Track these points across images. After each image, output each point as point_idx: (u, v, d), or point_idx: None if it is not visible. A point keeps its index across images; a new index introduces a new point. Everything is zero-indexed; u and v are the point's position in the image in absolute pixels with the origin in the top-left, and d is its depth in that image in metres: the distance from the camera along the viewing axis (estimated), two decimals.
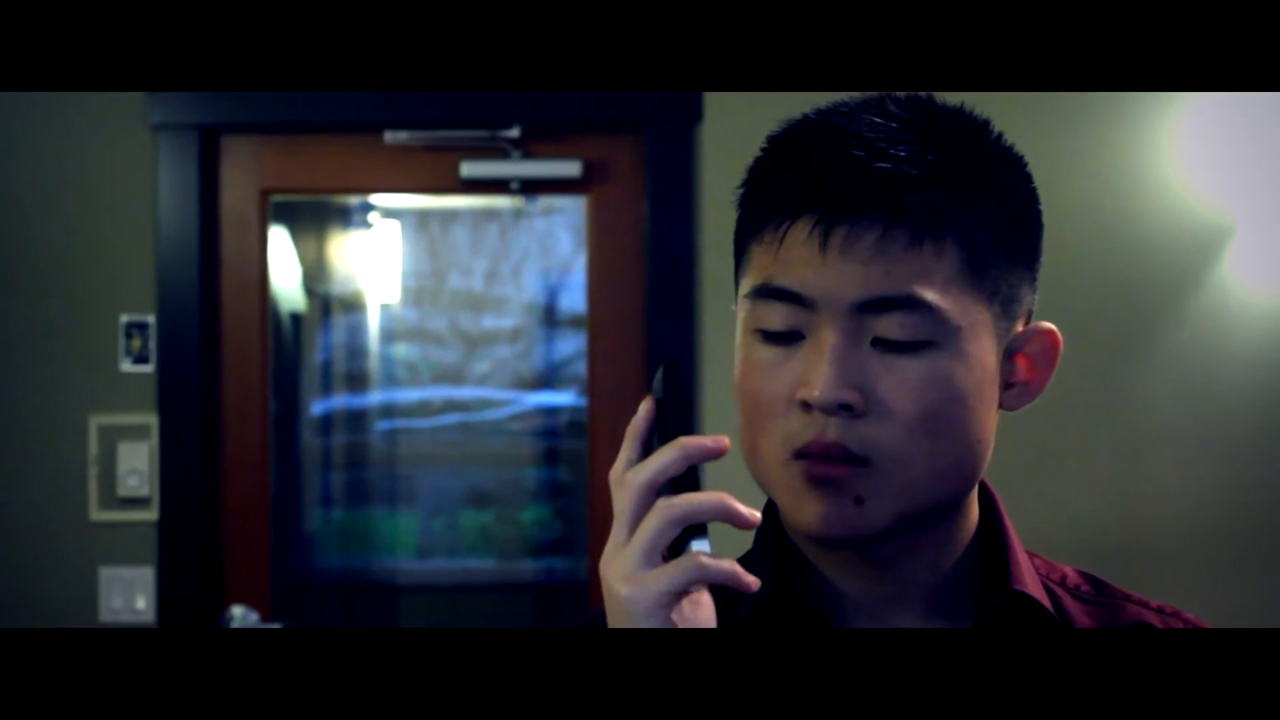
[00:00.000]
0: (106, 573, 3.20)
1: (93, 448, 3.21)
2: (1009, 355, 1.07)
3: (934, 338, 1.01)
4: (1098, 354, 3.14)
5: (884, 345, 1.01)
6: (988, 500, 1.13)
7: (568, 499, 3.91)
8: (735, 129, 3.11)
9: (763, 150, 1.08)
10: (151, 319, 3.21)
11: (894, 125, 1.02)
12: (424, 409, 3.98)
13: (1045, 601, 1.09)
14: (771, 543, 1.12)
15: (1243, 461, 3.14)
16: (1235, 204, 3.11)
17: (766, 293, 1.03)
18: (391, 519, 3.82)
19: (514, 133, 3.23)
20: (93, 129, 3.21)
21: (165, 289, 3.21)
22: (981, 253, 1.03)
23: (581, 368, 3.48)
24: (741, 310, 1.06)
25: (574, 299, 3.75)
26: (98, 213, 3.22)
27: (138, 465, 3.20)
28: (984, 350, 1.04)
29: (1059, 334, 1.10)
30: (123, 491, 3.20)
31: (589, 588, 3.32)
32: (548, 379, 3.94)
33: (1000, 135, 1.08)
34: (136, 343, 3.21)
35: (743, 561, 1.14)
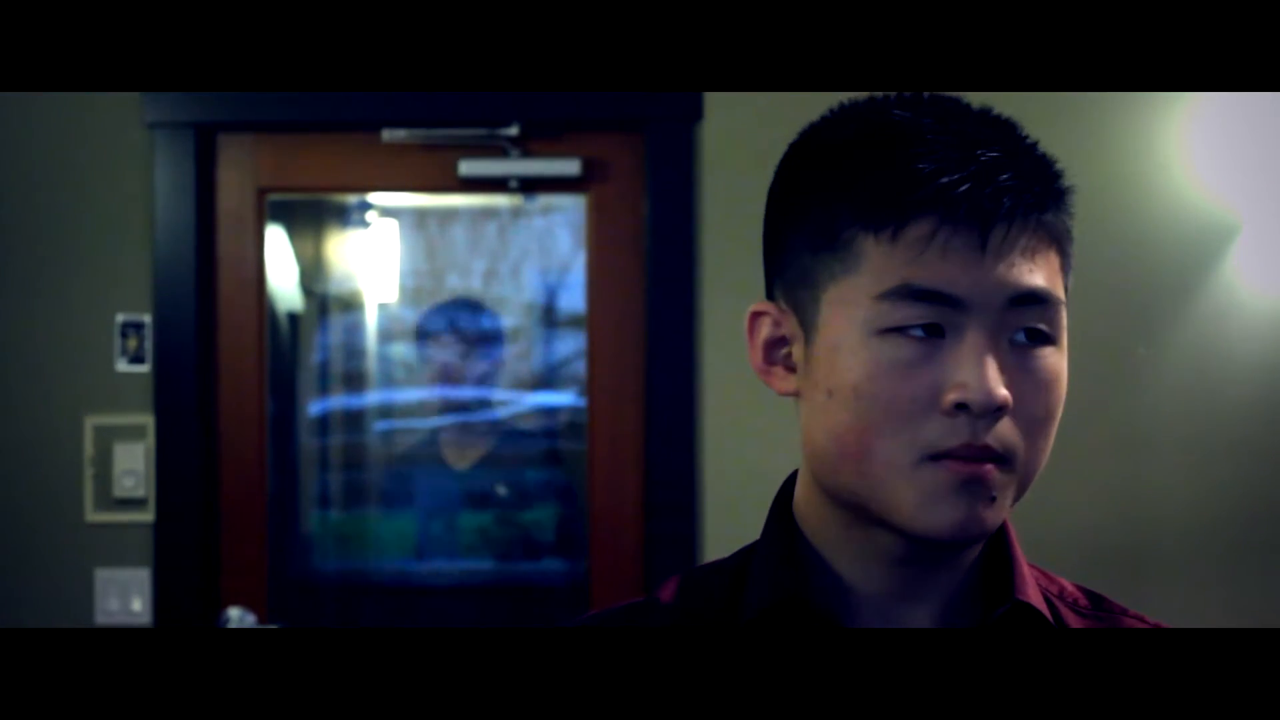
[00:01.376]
0: (102, 574, 3.19)
1: (88, 448, 3.20)
2: None
3: (1055, 334, 1.05)
4: (1101, 353, 3.13)
5: (1022, 341, 1.04)
6: None
7: (567, 500, 3.90)
8: (735, 128, 3.10)
9: (832, 142, 1.07)
10: (147, 319, 3.20)
11: (987, 130, 1.06)
12: (422, 409, 3.97)
13: (1046, 613, 1.09)
14: (782, 543, 1.10)
15: (1246, 461, 3.14)
16: (1240, 204, 3.12)
17: (910, 293, 1.02)
18: (389, 520, 3.81)
19: (513, 131, 3.22)
20: (88, 128, 3.21)
21: (161, 288, 3.20)
22: (1068, 254, 1.08)
23: (581, 368, 3.46)
24: (850, 308, 1.04)
25: (573, 298, 3.73)
26: (93, 212, 3.21)
27: (134, 466, 3.19)
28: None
29: None
30: (119, 492, 3.20)
31: (589, 589, 3.31)
32: (547, 379, 3.93)
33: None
34: (132, 343, 3.20)
35: (748, 557, 1.12)
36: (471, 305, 3.82)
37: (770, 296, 1.11)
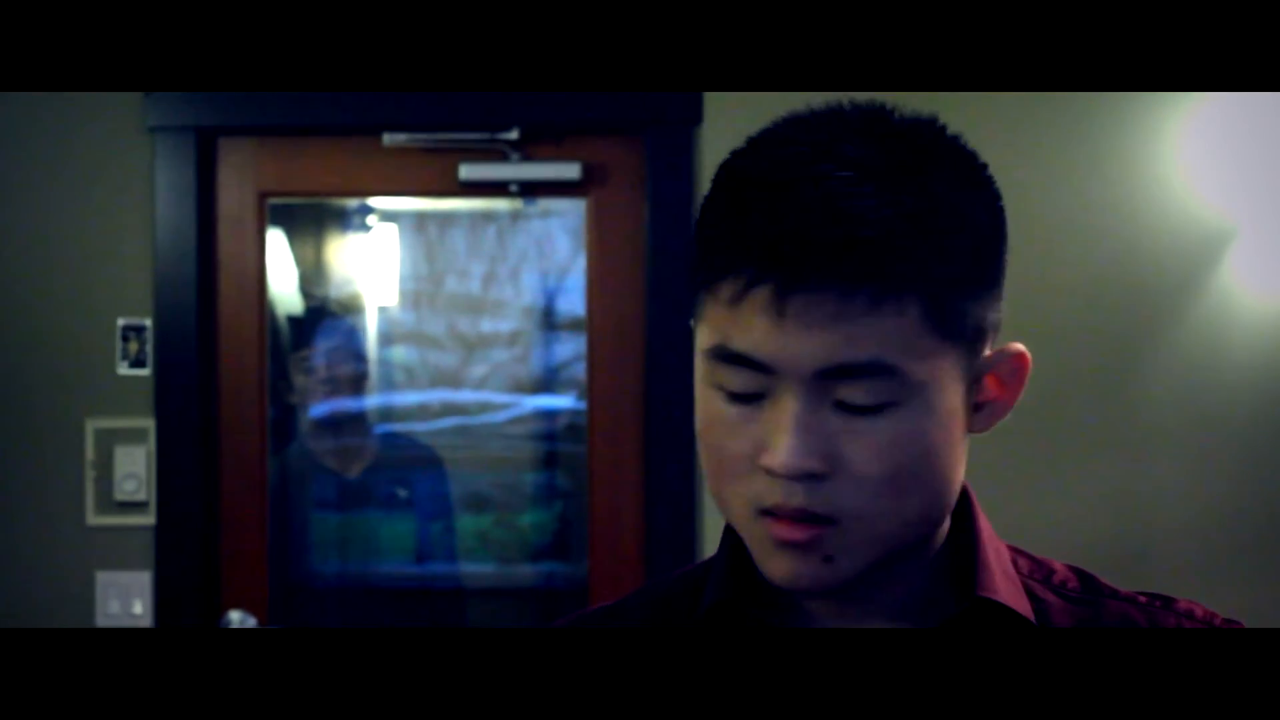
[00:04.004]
0: (103, 577, 3.20)
1: (89, 452, 3.21)
2: (977, 378, 1.04)
3: (898, 398, 0.98)
4: (1099, 357, 3.15)
5: (847, 409, 0.98)
6: (963, 501, 1.11)
7: (567, 503, 3.90)
8: (735, 130, 3.08)
9: (715, 187, 1.04)
10: (148, 322, 3.21)
11: (849, 174, 0.97)
12: (422, 412, 3.97)
13: (1019, 604, 1.08)
14: (734, 549, 1.11)
15: (1244, 464, 3.15)
16: (1237, 208, 3.12)
17: (726, 356, 1.00)
18: (389, 523, 3.81)
19: (513, 135, 3.23)
20: (90, 131, 3.21)
21: (162, 292, 3.21)
22: (944, 299, 0.98)
23: (580, 371, 3.47)
24: (700, 362, 1.03)
25: (572, 302, 3.74)
26: (95, 215, 3.22)
27: (135, 469, 3.20)
28: (951, 395, 1.01)
29: (1028, 355, 1.06)
30: (120, 496, 3.20)
31: (588, 592, 3.31)
32: (546, 382, 3.93)
33: (961, 148, 1.04)
34: (134, 346, 3.21)
35: (708, 564, 1.14)
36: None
37: None
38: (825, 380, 0.97)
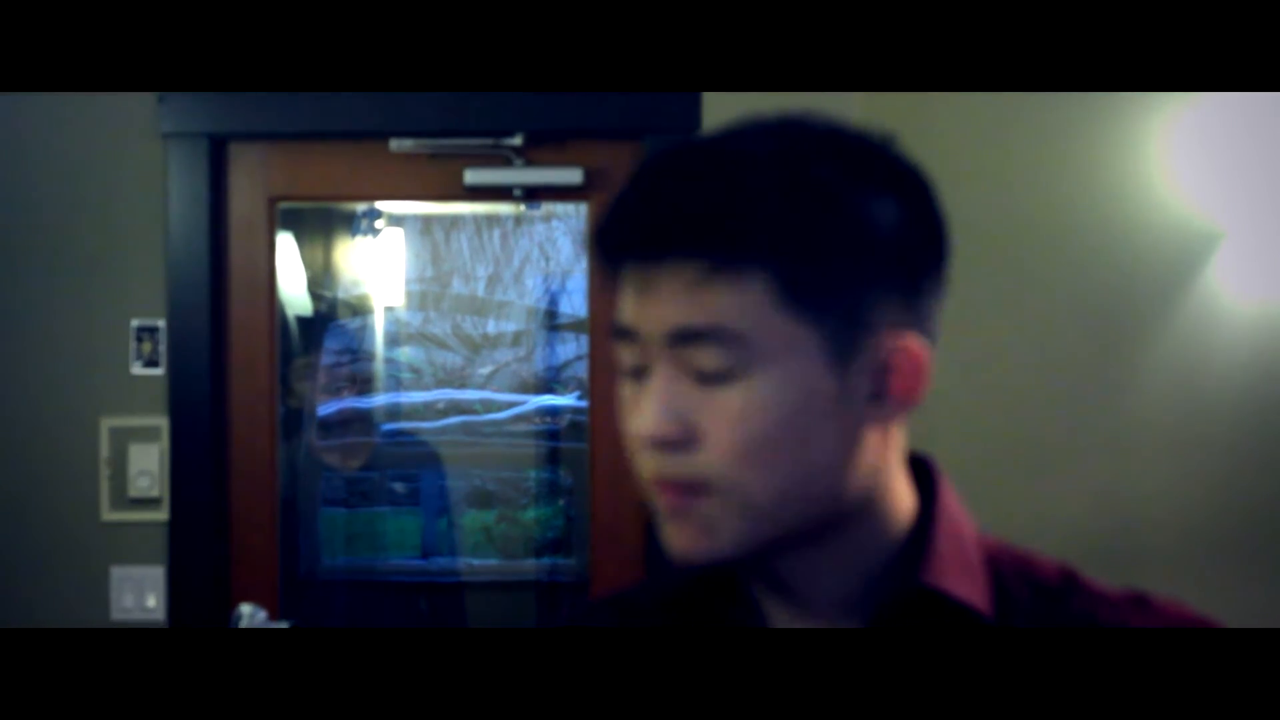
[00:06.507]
0: (118, 572, 3.22)
1: (104, 449, 3.22)
2: (869, 369, 1.06)
3: (748, 367, 1.03)
4: (1084, 358, 3.15)
5: (702, 377, 1.04)
6: (928, 492, 1.14)
7: (569, 499, 3.93)
8: None
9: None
10: (161, 323, 3.23)
11: (726, 161, 1.04)
12: (428, 411, 4.00)
13: (970, 594, 1.09)
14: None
15: (1229, 465, 3.14)
16: (1223, 211, 3.11)
17: (616, 333, 1.11)
18: (396, 519, 3.84)
19: (516, 141, 3.23)
20: (104, 137, 3.23)
21: (175, 294, 3.22)
22: (798, 278, 1.03)
23: (582, 370, 3.49)
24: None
25: (574, 303, 3.78)
26: (109, 219, 3.23)
27: (148, 466, 3.21)
28: (810, 371, 1.04)
29: (921, 349, 1.07)
30: (133, 492, 3.22)
31: (589, 585, 3.34)
32: (549, 381, 3.97)
33: (888, 159, 1.08)
34: (147, 346, 3.22)
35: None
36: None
37: None
38: (680, 347, 1.04)
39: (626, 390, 1.10)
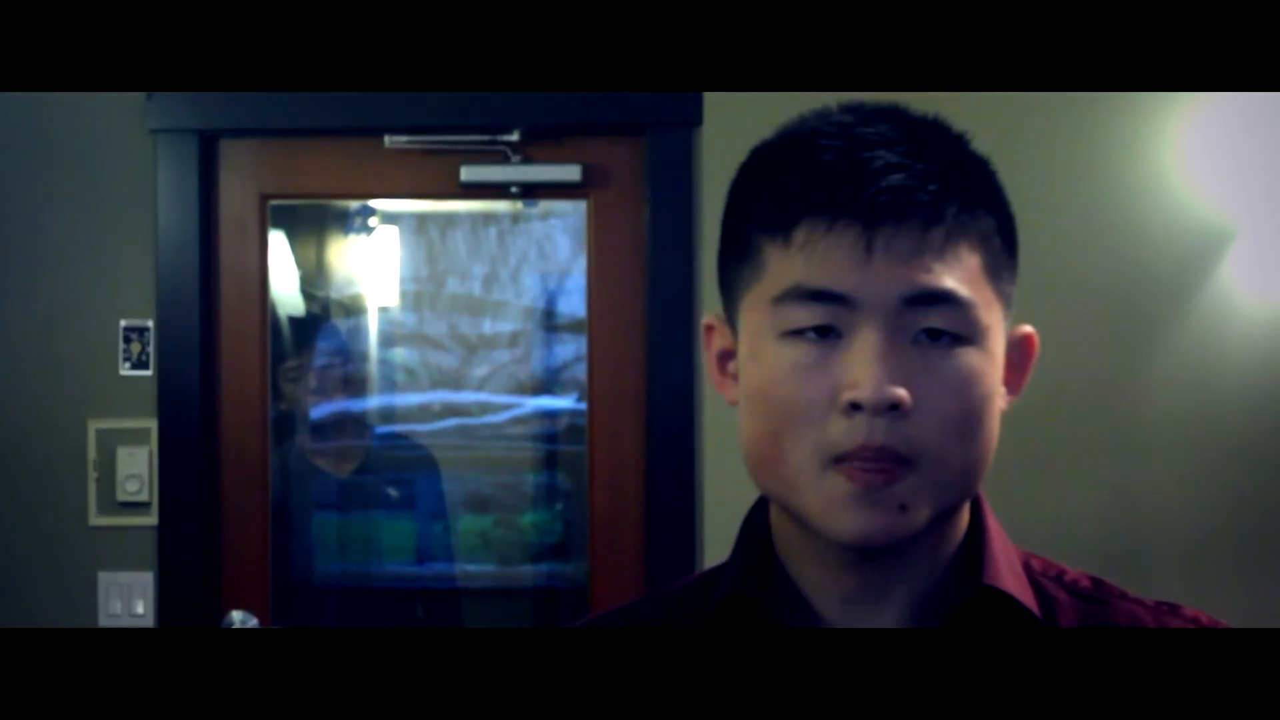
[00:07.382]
0: (106, 577, 3.21)
1: (92, 452, 3.21)
2: (1005, 355, 1.09)
3: (969, 334, 1.04)
4: (1098, 357, 3.15)
5: (925, 341, 1.03)
6: (976, 505, 1.13)
7: (567, 503, 3.91)
8: (735, 131, 3.10)
9: (762, 152, 1.10)
10: (151, 324, 3.22)
11: (896, 134, 1.05)
12: (423, 413, 3.98)
13: (1024, 596, 1.09)
14: (747, 552, 1.13)
15: (1242, 465, 3.15)
16: (1236, 209, 3.12)
17: (802, 295, 1.03)
18: (390, 524, 3.82)
19: (513, 137, 3.23)
20: (92, 134, 3.22)
21: (164, 294, 3.21)
22: (996, 254, 1.06)
23: (581, 372, 3.47)
24: (757, 314, 1.06)
25: (573, 303, 3.75)
26: (97, 217, 3.22)
27: (137, 470, 3.20)
28: (1000, 350, 1.07)
29: (1035, 336, 1.13)
30: (122, 496, 3.21)
31: (588, 592, 3.32)
32: (547, 383, 3.94)
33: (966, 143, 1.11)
34: (136, 347, 3.21)
35: (720, 569, 1.15)
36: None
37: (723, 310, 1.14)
38: (908, 310, 1.02)
39: (797, 354, 1.04)
